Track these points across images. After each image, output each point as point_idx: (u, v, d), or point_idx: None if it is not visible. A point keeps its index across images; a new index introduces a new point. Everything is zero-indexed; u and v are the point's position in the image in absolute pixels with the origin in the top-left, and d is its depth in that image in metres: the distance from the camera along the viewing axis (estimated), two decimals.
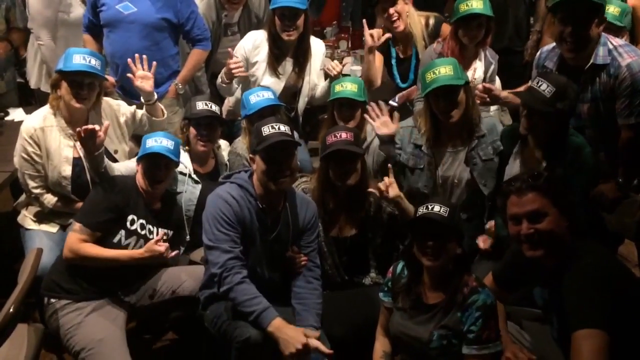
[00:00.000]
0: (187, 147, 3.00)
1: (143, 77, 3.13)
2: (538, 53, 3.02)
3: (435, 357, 2.19)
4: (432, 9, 3.66)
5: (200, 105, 2.97)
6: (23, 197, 3.07)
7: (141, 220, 2.66)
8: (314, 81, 3.52)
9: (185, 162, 2.96)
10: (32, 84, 4.03)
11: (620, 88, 2.66)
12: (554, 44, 2.85)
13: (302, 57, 3.45)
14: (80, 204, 2.88)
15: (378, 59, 3.50)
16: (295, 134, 2.53)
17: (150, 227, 2.69)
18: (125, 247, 2.63)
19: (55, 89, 2.89)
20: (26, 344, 2.29)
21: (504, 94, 2.98)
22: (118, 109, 3.10)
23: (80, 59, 2.81)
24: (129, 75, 3.16)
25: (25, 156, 2.87)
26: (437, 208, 2.16)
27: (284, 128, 2.43)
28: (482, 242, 2.77)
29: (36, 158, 2.87)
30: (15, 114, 3.87)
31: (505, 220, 2.12)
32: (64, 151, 2.89)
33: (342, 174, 2.61)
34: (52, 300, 2.57)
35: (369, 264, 2.75)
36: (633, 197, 2.85)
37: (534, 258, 2.03)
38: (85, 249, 2.55)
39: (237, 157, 3.09)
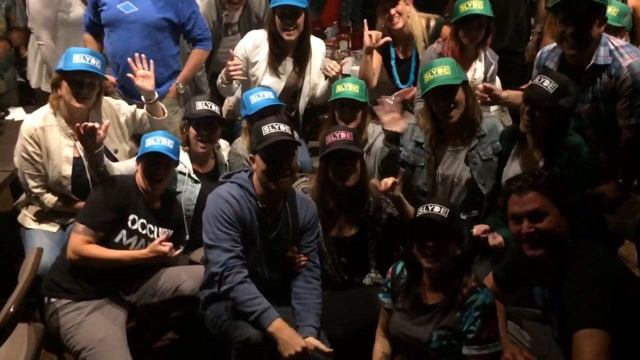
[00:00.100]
0: (186, 147, 3.00)
1: (144, 76, 3.13)
2: (539, 53, 3.02)
3: (435, 358, 2.19)
4: (432, 10, 3.66)
5: (200, 105, 2.97)
6: (23, 196, 3.07)
7: (142, 220, 2.66)
8: (315, 81, 3.52)
9: (185, 162, 2.95)
10: (33, 83, 4.03)
11: (621, 89, 2.67)
12: (555, 44, 2.85)
13: (302, 57, 3.45)
14: (80, 204, 2.88)
15: (376, 59, 3.50)
16: (296, 134, 2.53)
17: (151, 226, 2.69)
18: (127, 247, 2.63)
19: (55, 88, 2.89)
20: (26, 343, 2.29)
21: (505, 93, 2.99)
22: (118, 108, 3.10)
23: (81, 58, 2.81)
24: (130, 75, 3.16)
25: (26, 156, 2.87)
26: (437, 209, 2.16)
27: (284, 128, 2.43)
28: (492, 238, 2.72)
29: (36, 157, 2.87)
30: (16, 113, 3.86)
31: (506, 220, 2.12)
32: (64, 151, 2.89)
33: (342, 174, 2.61)
34: (53, 299, 2.57)
35: (369, 264, 2.75)
36: (633, 197, 2.85)
37: (535, 257, 2.03)
38: (90, 250, 2.55)
39: (237, 157, 3.09)
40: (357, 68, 4.29)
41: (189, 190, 2.95)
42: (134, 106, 3.18)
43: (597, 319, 1.83)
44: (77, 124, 2.65)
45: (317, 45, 3.55)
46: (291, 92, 3.51)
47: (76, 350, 2.47)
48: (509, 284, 2.30)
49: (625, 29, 3.11)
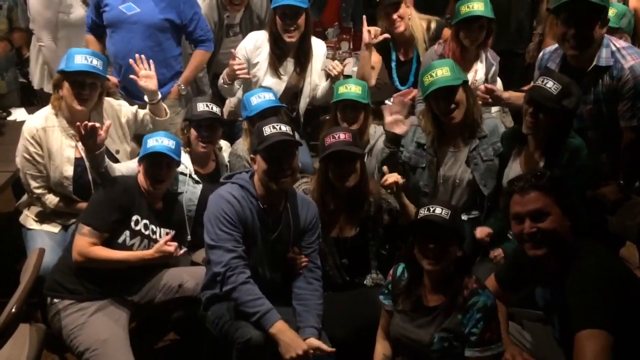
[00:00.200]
0: (187, 148, 3.00)
1: (147, 77, 3.13)
2: (540, 54, 3.03)
3: None
4: (432, 12, 3.67)
5: (201, 106, 2.97)
6: (25, 197, 3.07)
7: (145, 221, 2.66)
8: (315, 81, 3.52)
9: (186, 163, 2.96)
10: (35, 84, 4.03)
11: (622, 90, 2.67)
12: (556, 45, 2.85)
13: (303, 58, 3.45)
14: (81, 204, 2.89)
15: (376, 58, 3.50)
16: (296, 135, 2.53)
17: (153, 227, 2.69)
18: (130, 247, 2.63)
19: (57, 89, 2.89)
20: (28, 344, 2.29)
21: (506, 94, 2.99)
22: (120, 109, 3.10)
23: (82, 59, 2.82)
24: (132, 76, 3.16)
25: (27, 156, 2.88)
26: (438, 210, 2.16)
27: (285, 128, 2.43)
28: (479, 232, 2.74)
29: (38, 158, 2.87)
30: (18, 114, 3.87)
31: (508, 220, 2.12)
32: (65, 151, 2.89)
33: (342, 175, 2.61)
34: (56, 300, 2.57)
35: (370, 264, 2.76)
36: (635, 199, 2.84)
37: (536, 257, 2.03)
38: (96, 252, 2.55)
39: (238, 158, 3.09)
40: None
41: (190, 190, 2.95)
42: (136, 107, 3.19)
43: (598, 320, 1.83)
44: (78, 123, 2.65)
45: (318, 46, 3.55)
46: (292, 93, 3.51)
47: (79, 351, 2.47)
48: (511, 284, 2.30)
49: (622, 30, 3.10)
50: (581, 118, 2.75)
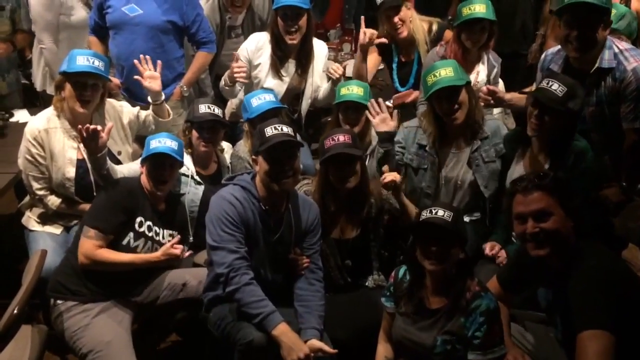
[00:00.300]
0: (189, 150, 3.00)
1: (151, 77, 3.14)
2: (543, 56, 3.02)
3: None
4: (433, 13, 3.66)
5: (203, 108, 2.97)
6: (27, 198, 3.07)
7: (148, 222, 2.66)
8: (317, 83, 3.52)
9: (188, 164, 2.96)
10: (38, 86, 4.02)
11: (625, 92, 2.67)
12: (559, 47, 2.84)
13: (304, 59, 3.44)
14: (83, 206, 2.89)
15: (374, 59, 3.50)
16: (298, 136, 2.53)
17: (157, 228, 2.70)
18: (134, 249, 2.63)
19: (59, 90, 2.89)
20: (30, 345, 2.29)
21: (508, 96, 2.99)
22: (121, 110, 3.10)
23: (84, 60, 2.82)
24: (137, 77, 3.17)
25: (29, 158, 2.88)
26: (441, 212, 2.15)
27: (286, 129, 2.43)
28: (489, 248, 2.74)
29: (40, 160, 2.88)
30: (20, 115, 3.86)
31: (511, 221, 2.12)
32: (67, 153, 2.89)
33: (342, 177, 2.61)
34: (59, 301, 2.57)
35: (372, 266, 2.75)
36: (637, 201, 2.84)
37: (539, 257, 2.03)
38: (102, 254, 2.55)
39: (239, 160, 3.09)
40: None
41: (192, 191, 2.95)
42: (137, 108, 3.19)
43: (601, 321, 1.83)
44: (79, 126, 2.65)
45: (320, 48, 3.55)
46: (293, 95, 3.51)
47: (83, 352, 2.46)
48: (513, 285, 2.30)
49: (620, 31, 3.10)
50: (584, 120, 2.74)
